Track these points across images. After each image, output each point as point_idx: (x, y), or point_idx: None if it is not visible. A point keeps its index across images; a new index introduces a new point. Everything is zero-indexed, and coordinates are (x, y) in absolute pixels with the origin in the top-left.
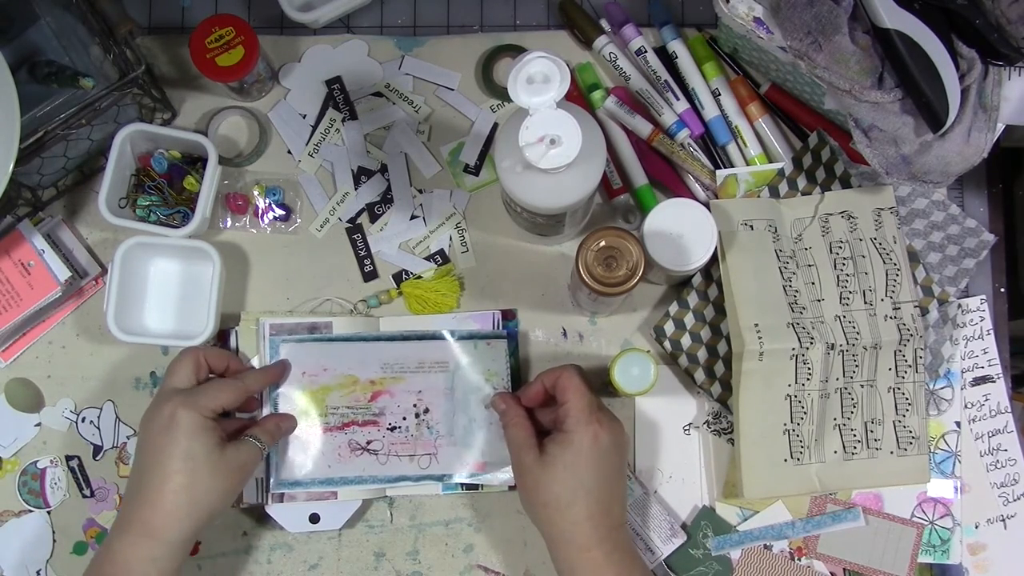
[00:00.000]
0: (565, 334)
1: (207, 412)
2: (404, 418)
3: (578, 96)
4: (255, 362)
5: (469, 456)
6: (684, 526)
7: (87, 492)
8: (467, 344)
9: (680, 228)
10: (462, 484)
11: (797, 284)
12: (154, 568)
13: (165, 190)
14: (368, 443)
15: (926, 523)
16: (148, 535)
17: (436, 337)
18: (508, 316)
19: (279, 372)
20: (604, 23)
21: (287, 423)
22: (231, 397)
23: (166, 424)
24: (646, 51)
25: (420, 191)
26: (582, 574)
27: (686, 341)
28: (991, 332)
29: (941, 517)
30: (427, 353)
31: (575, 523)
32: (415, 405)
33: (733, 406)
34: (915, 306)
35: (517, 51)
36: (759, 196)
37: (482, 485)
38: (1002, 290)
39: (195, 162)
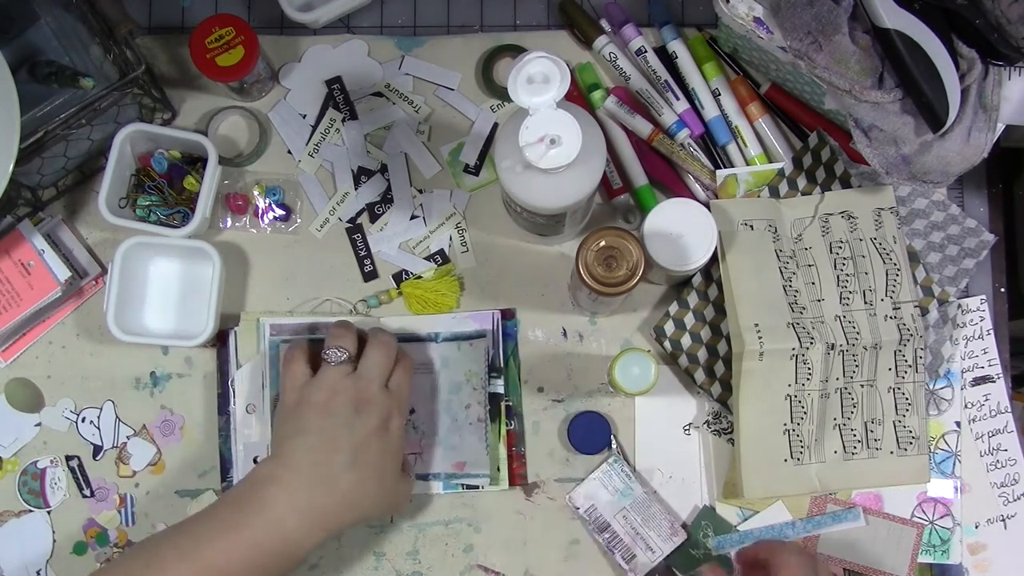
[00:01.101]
0: (565, 334)
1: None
2: None
3: (578, 96)
4: (256, 362)
5: (450, 456)
6: (684, 525)
7: (87, 492)
8: (451, 346)
9: (680, 228)
10: (463, 484)
11: (797, 284)
12: (311, 550)
13: (165, 190)
14: None
15: (926, 523)
16: (326, 530)
17: (422, 339)
18: (508, 316)
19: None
20: (604, 23)
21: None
22: (405, 379)
23: (379, 426)
24: (646, 51)
25: (420, 191)
26: None
27: (686, 341)
28: (991, 332)
29: (941, 517)
30: (415, 355)
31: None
32: None
33: (733, 406)
34: (915, 306)
35: (517, 51)
36: (759, 196)
37: (482, 485)
38: (1002, 290)
39: (195, 162)
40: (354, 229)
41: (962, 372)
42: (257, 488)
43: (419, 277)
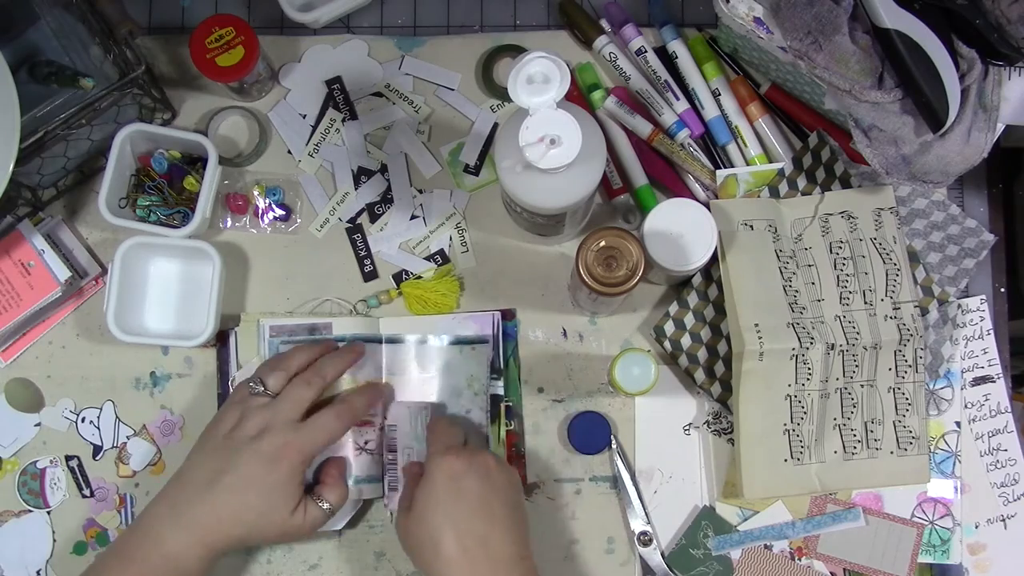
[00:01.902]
0: (565, 334)
1: (309, 460)
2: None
3: (578, 96)
4: (256, 362)
5: None
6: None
7: (87, 492)
8: (452, 349)
9: (680, 228)
10: None
11: (797, 284)
12: (200, 570)
13: (165, 190)
14: (366, 443)
15: (926, 523)
16: (205, 545)
17: (423, 342)
18: (508, 316)
19: (357, 356)
20: (604, 23)
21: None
22: (337, 427)
23: (272, 456)
24: (646, 51)
25: (420, 191)
26: None
27: (686, 341)
28: (991, 332)
29: (941, 517)
30: (414, 357)
31: (449, 561)
32: None
33: (733, 406)
34: (915, 306)
35: (517, 51)
36: (759, 196)
37: None
38: (1002, 290)
39: (195, 162)
40: (354, 229)
41: (962, 372)
42: (146, 514)
43: (419, 277)
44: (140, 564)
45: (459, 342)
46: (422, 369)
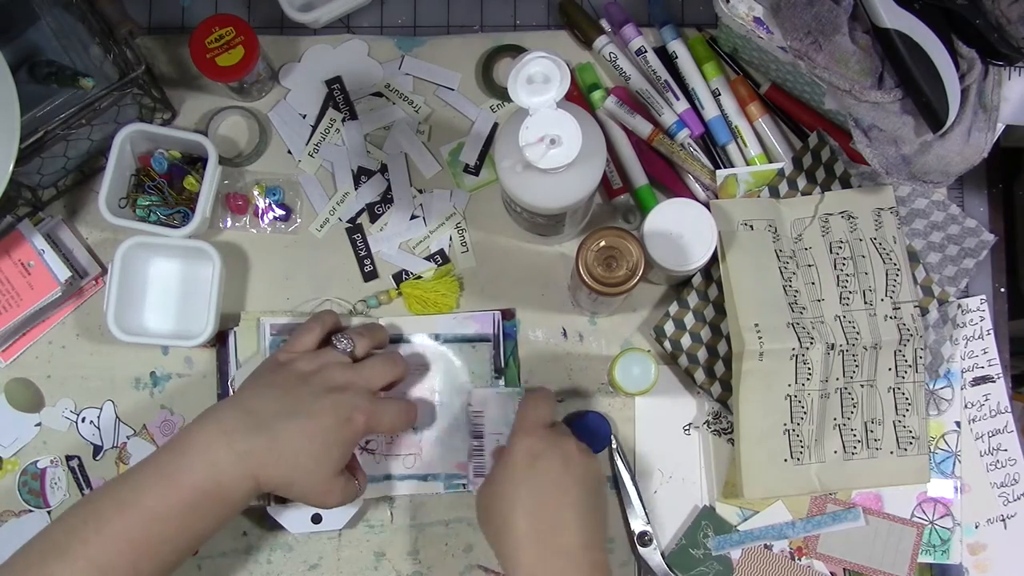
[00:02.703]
0: (565, 334)
1: (368, 435)
2: None
3: (578, 96)
4: (257, 360)
5: (451, 457)
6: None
7: (87, 492)
8: (453, 347)
9: (680, 228)
10: (463, 484)
11: (797, 284)
12: (243, 502)
13: (165, 190)
14: (367, 443)
15: (926, 523)
16: (255, 477)
17: (423, 340)
18: (508, 316)
19: (385, 335)
20: (604, 23)
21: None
22: (401, 422)
23: (348, 414)
24: (646, 51)
25: (420, 191)
26: None
27: (686, 341)
28: (991, 332)
29: (941, 517)
30: (415, 355)
31: (518, 540)
32: None
33: (733, 406)
34: (915, 306)
35: (517, 51)
36: (759, 196)
37: None
38: (1002, 290)
39: (195, 162)
40: (354, 229)
41: (962, 372)
42: (193, 437)
43: (419, 277)
44: (188, 488)
45: (461, 340)
46: (424, 367)
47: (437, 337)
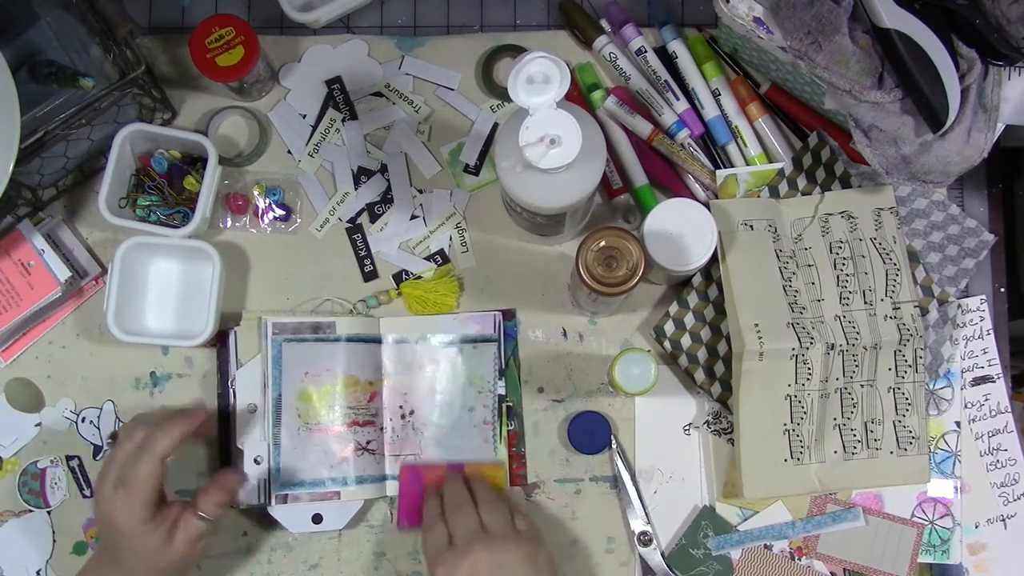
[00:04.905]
0: (565, 334)
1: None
2: (391, 419)
3: (578, 96)
4: (258, 359)
5: (452, 456)
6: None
7: (87, 492)
8: (454, 348)
9: (680, 228)
10: None
11: (797, 284)
12: None
13: (165, 190)
14: (368, 443)
15: (926, 523)
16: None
17: (427, 341)
18: (508, 316)
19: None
20: (604, 23)
21: (231, 481)
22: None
23: (170, 528)
24: (646, 51)
25: (420, 191)
26: None
27: (686, 341)
28: (991, 332)
29: (941, 517)
30: (416, 356)
31: None
32: (401, 407)
33: (733, 406)
34: (915, 306)
35: (517, 51)
36: (759, 196)
37: None
38: (1002, 290)
39: (195, 162)
40: (354, 229)
41: (962, 372)
42: None
43: (419, 277)
44: None
45: (463, 340)
46: (426, 368)
47: (437, 337)
